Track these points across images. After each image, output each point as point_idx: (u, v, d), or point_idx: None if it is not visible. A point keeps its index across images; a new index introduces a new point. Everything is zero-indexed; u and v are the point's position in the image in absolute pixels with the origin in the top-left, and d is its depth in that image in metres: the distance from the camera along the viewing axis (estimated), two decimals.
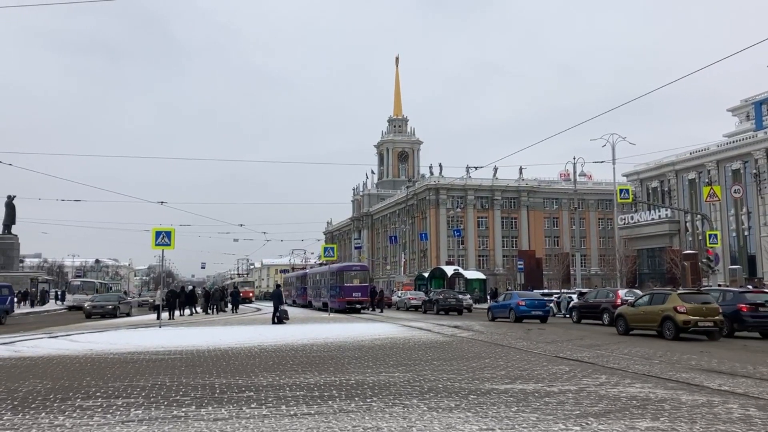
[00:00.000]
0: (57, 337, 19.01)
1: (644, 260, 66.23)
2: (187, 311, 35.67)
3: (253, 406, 7.79)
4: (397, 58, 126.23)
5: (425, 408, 7.60)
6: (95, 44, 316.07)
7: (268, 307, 46.00)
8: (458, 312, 36.74)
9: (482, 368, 11.35)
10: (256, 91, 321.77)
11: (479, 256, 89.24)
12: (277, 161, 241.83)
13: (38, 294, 54.57)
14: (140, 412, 7.42)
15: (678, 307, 18.50)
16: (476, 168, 46.63)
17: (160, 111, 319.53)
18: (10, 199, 68.24)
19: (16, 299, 53.02)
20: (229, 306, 40.65)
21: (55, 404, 7.92)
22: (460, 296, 39.79)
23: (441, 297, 38.01)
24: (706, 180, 59.96)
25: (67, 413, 7.35)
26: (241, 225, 59.22)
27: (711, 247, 31.99)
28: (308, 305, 48.93)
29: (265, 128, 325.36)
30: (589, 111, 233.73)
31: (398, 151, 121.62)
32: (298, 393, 8.70)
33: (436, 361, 12.56)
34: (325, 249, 36.35)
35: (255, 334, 19.69)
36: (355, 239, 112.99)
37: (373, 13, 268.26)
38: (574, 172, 52.34)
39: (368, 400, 8.12)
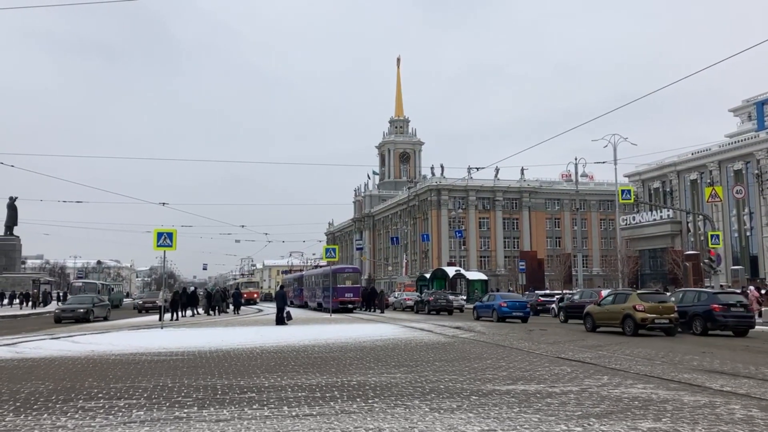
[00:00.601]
0: (59, 338, 19.08)
1: (646, 261, 66.21)
2: (188, 312, 35.70)
3: (255, 407, 7.79)
4: (398, 59, 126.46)
5: (427, 409, 7.60)
6: (95, 45, 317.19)
7: (269, 308, 46.06)
8: (449, 312, 38.51)
9: (484, 369, 11.35)
10: (256, 91, 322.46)
11: (481, 257, 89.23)
12: (278, 162, 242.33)
13: (40, 295, 54.56)
14: (142, 413, 7.43)
15: (637, 306, 19.94)
16: (478, 169, 47.48)
17: (160, 111, 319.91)
18: (12, 200, 68.46)
19: (17, 300, 53.31)
20: (231, 307, 40.64)
21: (58, 405, 7.93)
22: (451, 297, 42.06)
23: (432, 298, 40.13)
24: (708, 180, 59.94)
25: (69, 414, 7.36)
26: (243, 226, 58.89)
27: (713, 248, 31.95)
28: (304, 306, 50.31)
29: (266, 129, 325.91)
30: (590, 112, 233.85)
31: (400, 151, 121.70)
32: (300, 394, 8.70)
33: (438, 362, 12.56)
34: (327, 250, 36.67)
35: (257, 335, 19.69)
36: (356, 240, 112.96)
37: (374, 14, 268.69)
38: (576, 173, 52.20)
39: (370, 401, 8.12)
